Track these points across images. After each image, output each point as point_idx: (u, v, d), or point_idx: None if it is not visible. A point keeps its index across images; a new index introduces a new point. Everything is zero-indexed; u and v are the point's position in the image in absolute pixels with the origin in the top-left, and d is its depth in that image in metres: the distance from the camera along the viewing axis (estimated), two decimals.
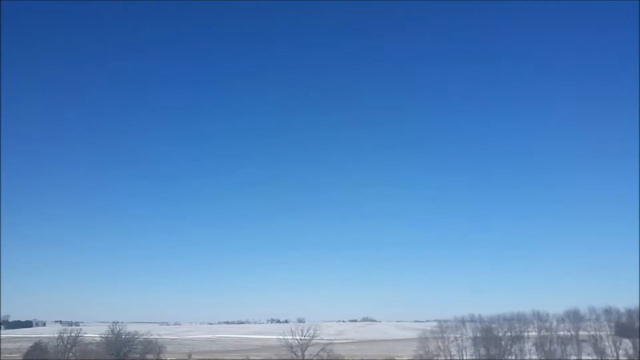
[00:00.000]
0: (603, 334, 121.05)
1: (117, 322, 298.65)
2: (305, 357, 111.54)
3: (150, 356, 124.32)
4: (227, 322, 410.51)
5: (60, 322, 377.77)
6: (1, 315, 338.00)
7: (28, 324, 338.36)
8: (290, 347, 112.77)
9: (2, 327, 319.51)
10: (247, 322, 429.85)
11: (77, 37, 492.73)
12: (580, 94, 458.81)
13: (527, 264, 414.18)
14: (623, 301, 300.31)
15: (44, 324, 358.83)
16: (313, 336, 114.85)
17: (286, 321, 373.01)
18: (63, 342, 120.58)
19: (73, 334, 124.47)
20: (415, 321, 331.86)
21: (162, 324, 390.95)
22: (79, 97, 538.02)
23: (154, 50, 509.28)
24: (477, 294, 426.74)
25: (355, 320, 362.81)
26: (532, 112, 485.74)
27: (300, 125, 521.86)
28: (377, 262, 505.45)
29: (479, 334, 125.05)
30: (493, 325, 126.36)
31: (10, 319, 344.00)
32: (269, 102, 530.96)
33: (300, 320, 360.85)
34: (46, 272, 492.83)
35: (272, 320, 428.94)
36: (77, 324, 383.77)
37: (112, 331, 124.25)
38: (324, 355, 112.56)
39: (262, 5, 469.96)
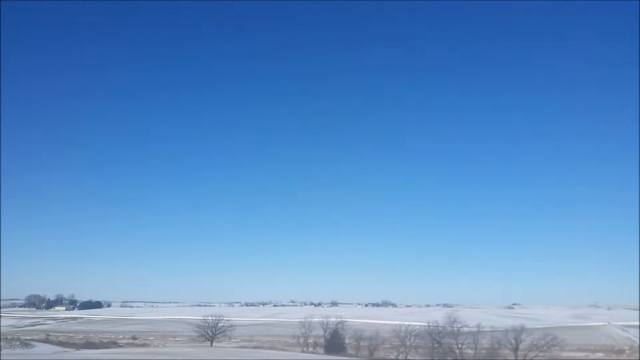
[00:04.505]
0: None
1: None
2: None
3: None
4: (253, 304, 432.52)
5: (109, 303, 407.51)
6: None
7: (98, 305, 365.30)
8: None
9: (77, 308, 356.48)
10: (270, 303, 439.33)
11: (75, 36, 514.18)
12: (581, 94, 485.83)
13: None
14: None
15: (109, 305, 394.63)
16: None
17: (319, 304, 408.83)
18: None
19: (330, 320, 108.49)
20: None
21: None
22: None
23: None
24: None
25: (378, 305, 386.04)
26: (532, 113, 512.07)
27: (318, 108, 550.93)
28: (395, 245, 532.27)
29: None
30: None
31: (76, 300, 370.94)
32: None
33: (334, 303, 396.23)
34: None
35: (293, 302, 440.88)
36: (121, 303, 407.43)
37: (449, 318, 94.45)
38: None
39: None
